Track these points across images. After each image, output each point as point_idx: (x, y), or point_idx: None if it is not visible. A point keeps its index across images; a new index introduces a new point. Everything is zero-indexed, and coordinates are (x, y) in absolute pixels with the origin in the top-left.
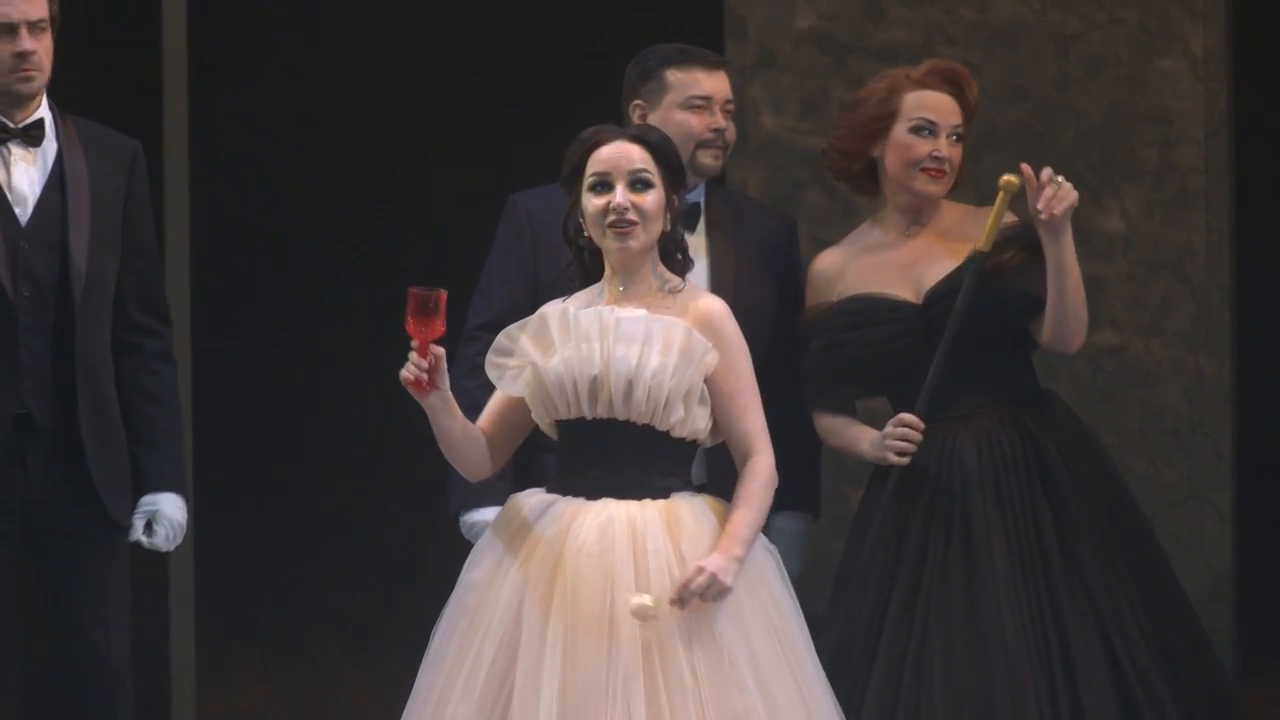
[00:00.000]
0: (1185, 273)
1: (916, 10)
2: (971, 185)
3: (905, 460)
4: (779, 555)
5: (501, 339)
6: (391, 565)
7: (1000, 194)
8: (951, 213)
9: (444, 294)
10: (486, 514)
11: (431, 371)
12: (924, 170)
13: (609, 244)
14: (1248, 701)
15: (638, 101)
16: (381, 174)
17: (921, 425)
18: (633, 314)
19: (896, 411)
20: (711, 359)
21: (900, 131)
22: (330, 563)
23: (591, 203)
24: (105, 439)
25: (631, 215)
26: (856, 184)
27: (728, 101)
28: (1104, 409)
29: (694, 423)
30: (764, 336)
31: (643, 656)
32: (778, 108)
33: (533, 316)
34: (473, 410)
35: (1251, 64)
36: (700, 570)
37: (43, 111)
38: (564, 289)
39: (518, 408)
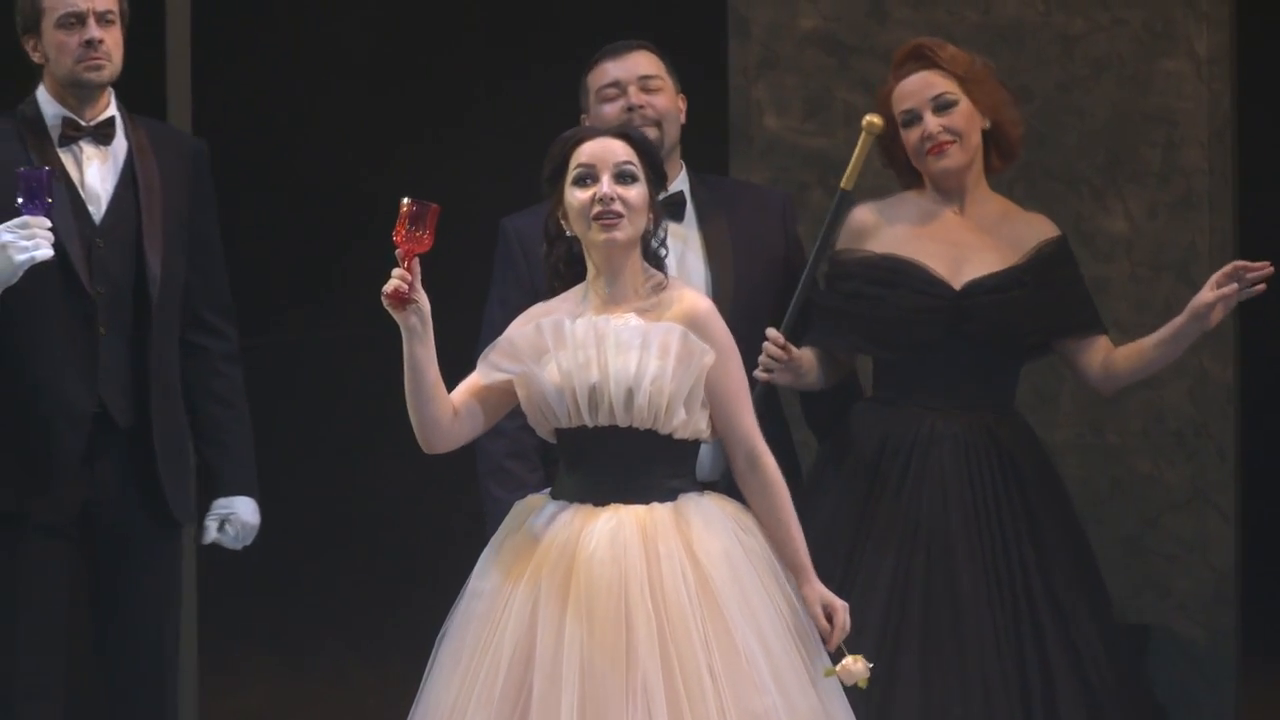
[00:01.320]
0: (1189, 274)
1: (920, 11)
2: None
3: (765, 378)
4: None
5: (501, 340)
6: (397, 566)
7: (863, 134)
8: (995, 204)
9: (437, 208)
10: None
11: (412, 285)
12: (927, 151)
13: (595, 237)
14: (1251, 703)
15: (582, 114)
16: (383, 171)
17: (781, 343)
18: (627, 322)
19: (887, 384)
20: (709, 359)
21: (900, 131)
22: (335, 563)
23: (576, 196)
24: (174, 439)
25: (618, 206)
26: (906, 175)
27: (644, 78)
28: (1107, 410)
29: (696, 424)
30: (772, 312)
31: (661, 660)
32: (781, 109)
33: (527, 328)
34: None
35: (1255, 65)
36: (835, 610)
37: (113, 110)
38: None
39: (492, 392)
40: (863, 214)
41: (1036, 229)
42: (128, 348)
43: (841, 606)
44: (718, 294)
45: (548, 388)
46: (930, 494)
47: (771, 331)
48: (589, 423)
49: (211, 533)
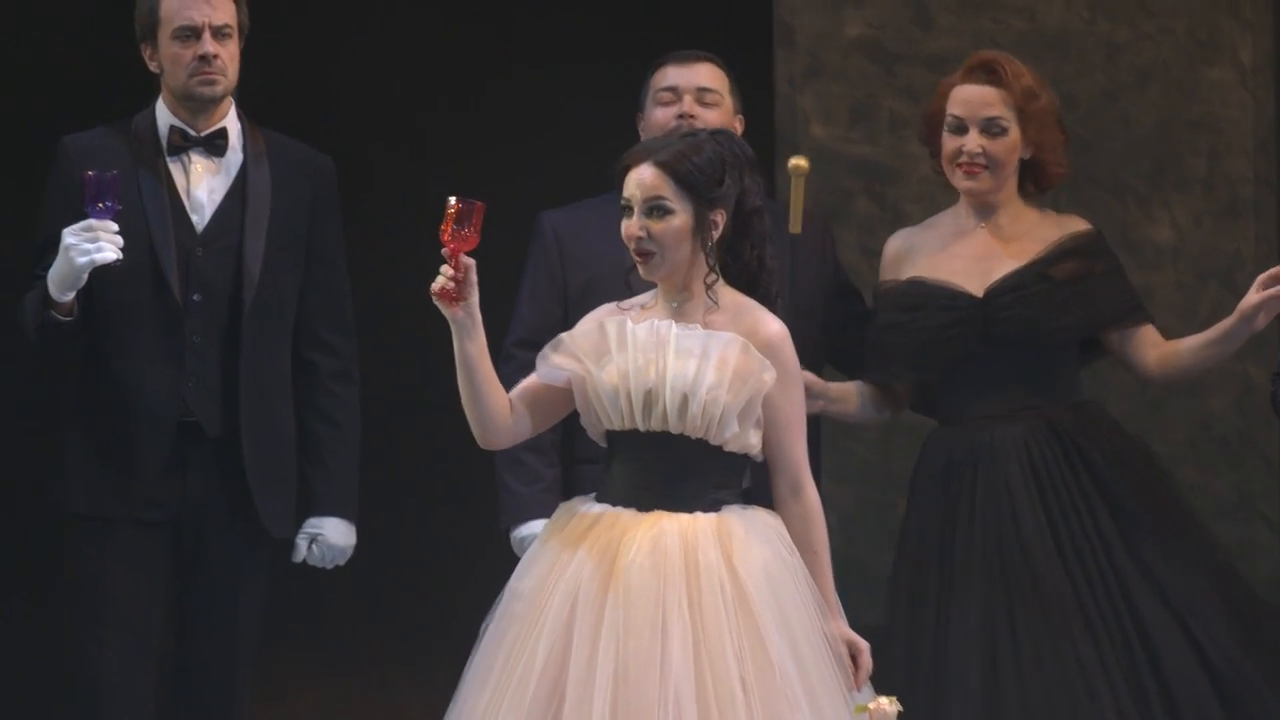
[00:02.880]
0: (1234, 282)
1: (965, 19)
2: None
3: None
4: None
5: (562, 337)
6: (443, 573)
7: (793, 179)
8: (1028, 214)
9: (482, 205)
10: (536, 527)
11: (461, 283)
12: (959, 166)
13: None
14: None
15: (639, 114)
16: (398, 180)
17: None
18: (689, 329)
19: (939, 403)
20: (769, 377)
21: (944, 130)
22: (380, 570)
23: (622, 226)
24: (269, 451)
25: (647, 245)
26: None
27: (701, 90)
28: (1153, 419)
29: (747, 439)
30: (812, 335)
31: (695, 670)
32: (827, 117)
33: (589, 324)
34: None
35: None
36: (859, 650)
37: (227, 121)
38: (592, 297)
39: (549, 393)
40: (895, 243)
41: (1066, 228)
42: (221, 357)
43: (865, 647)
44: None
45: (605, 388)
46: (1000, 510)
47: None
48: (641, 426)
49: (302, 551)
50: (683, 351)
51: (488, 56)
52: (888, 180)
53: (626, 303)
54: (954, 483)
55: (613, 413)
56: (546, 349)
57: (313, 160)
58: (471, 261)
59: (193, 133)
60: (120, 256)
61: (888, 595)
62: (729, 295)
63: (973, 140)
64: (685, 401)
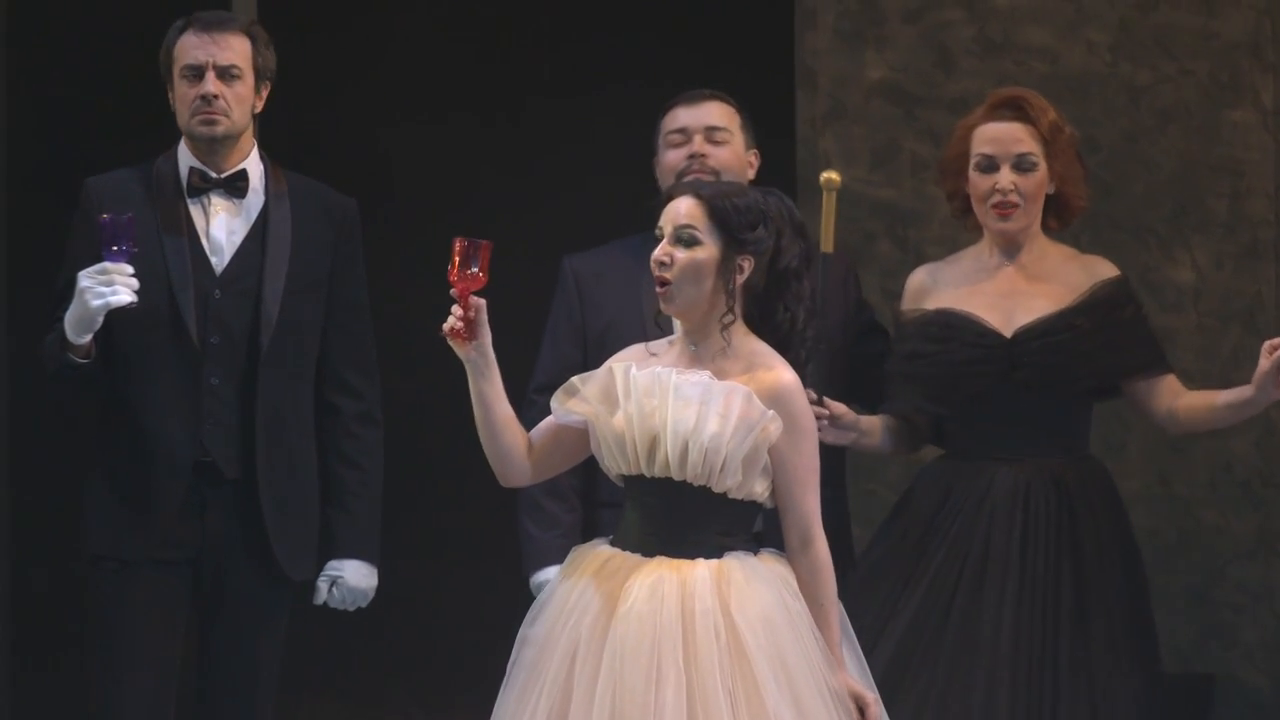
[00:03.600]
0: (1256, 324)
1: (987, 61)
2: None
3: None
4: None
5: (573, 380)
6: (461, 613)
7: (825, 194)
8: (1057, 253)
9: (489, 244)
10: (552, 573)
11: (471, 323)
12: (992, 206)
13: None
14: None
15: (655, 158)
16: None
17: (813, 398)
18: (692, 376)
19: (948, 435)
20: (774, 427)
21: (971, 169)
22: (401, 610)
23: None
24: (289, 493)
25: (667, 273)
26: (967, 220)
27: (710, 129)
28: (1175, 460)
29: (751, 487)
30: (839, 368)
31: (687, 717)
32: (849, 159)
33: (601, 369)
34: None
35: None
36: (866, 703)
37: (248, 163)
38: (611, 341)
39: (568, 434)
40: (919, 275)
41: (1094, 271)
42: (239, 399)
43: (873, 700)
44: None
45: (612, 433)
46: (976, 541)
47: (807, 391)
48: (646, 473)
49: (322, 594)
50: (682, 399)
51: (507, 95)
52: (909, 222)
53: (654, 344)
54: (944, 516)
55: (620, 458)
56: (560, 391)
57: (336, 202)
58: (481, 301)
59: (213, 174)
60: (135, 299)
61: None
62: (748, 343)
63: (1005, 177)
64: (685, 449)
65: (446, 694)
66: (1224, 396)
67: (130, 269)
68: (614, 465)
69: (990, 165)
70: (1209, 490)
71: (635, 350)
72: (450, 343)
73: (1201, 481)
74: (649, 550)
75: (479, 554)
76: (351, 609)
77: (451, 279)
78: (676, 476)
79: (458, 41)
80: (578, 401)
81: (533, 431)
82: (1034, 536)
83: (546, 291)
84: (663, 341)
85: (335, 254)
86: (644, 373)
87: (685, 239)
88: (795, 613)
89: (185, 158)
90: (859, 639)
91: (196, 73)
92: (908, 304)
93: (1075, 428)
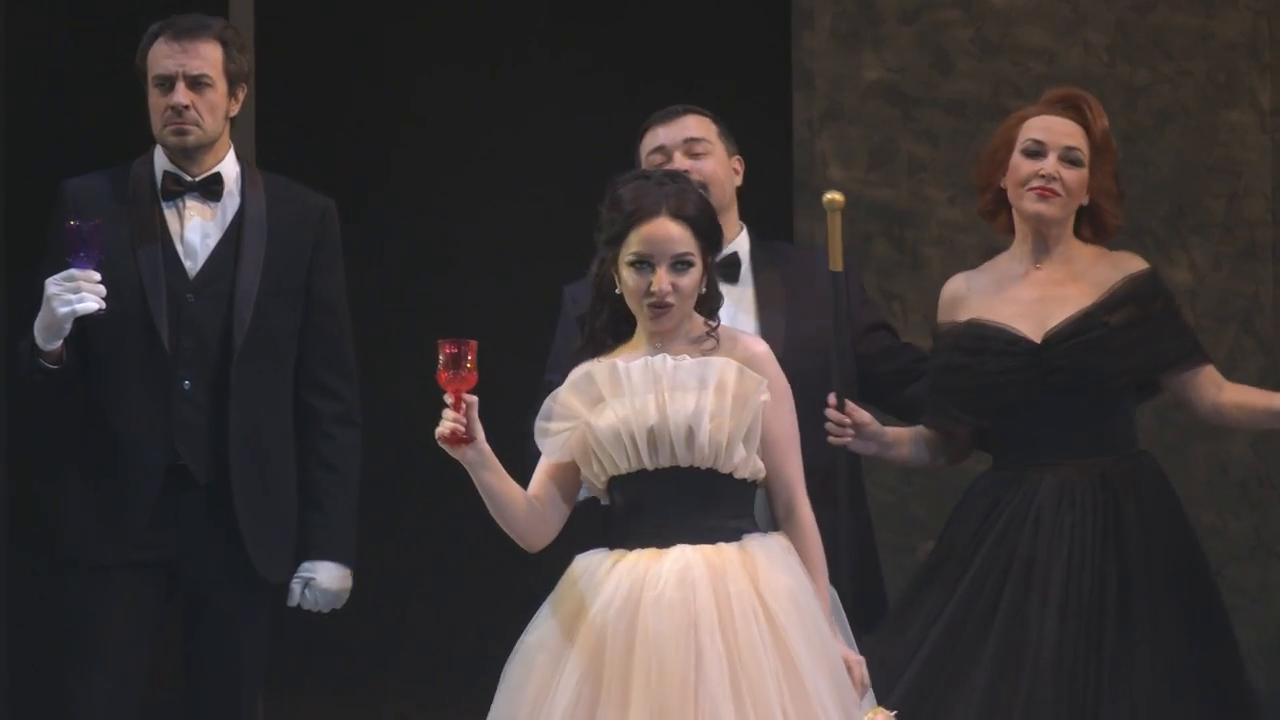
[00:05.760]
0: (1253, 325)
1: (984, 62)
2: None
3: (840, 442)
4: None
5: (548, 404)
6: (453, 613)
7: (829, 214)
8: (1085, 252)
9: (474, 344)
10: None
11: (468, 423)
12: (1030, 189)
13: (645, 320)
14: None
15: None
16: (448, 222)
17: (833, 404)
18: (681, 360)
19: (993, 445)
20: (765, 396)
21: (1015, 156)
22: (391, 610)
23: (633, 278)
24: (263, 495)
25: (671, 299)
26: (993, 217)
27: (688, 141)
28: (1172, 461)
29: (755, 463)
30: (826, 376)
31: (734, 702)
32: (846, 160)
33: (577, 376)
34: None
35: None
36: (852, 665)
37: (224, 166)
38: None
39: (565, 471)
40: (954, 285)
41: (1122, 267)
42: (211, 402)
43: (858, 661)
44: None
45: (604, 434)
46: (1021, 548)
47: (830, 397)
48: (649, 465)
49: (295, 595)
50: (679, 384)
51: (500, 104)
52: (906, 223)
53: (603, 359)
54: (989, 522)
55: (617, 457)
56: (539, 421)
57: (313, 203)
58: (474, 399)
59: (187, 178)
60: (103, 306)
61: (907, 589)
62: (696, 322)
63: (1051, 163)
64: (690, 433)
65: (445, 693)
66: (1266, 401)
67: (97, 275)
68: (608, 467)
69: (1038, 151)
70: (1206, 491)
71: (582, 369)
72: (447, 447)
73: (1199, 482)
74: (664, 542)
75: (478, 553)
76: (325, 611)
77: (442, 381)
78: (683, 463)
79: (455, 48)
80: (559, 421)
81: (533, 488)
82: (1080, 540)
83: (536, 316)
84: (612, 356)
85: (312, 255)
86: (635, 364)
87: (682, 264)
88: (810, 591)
89: (160, 161)
90: (903, 647)
91: (167, 83)
92: (943, 316)
93: (1119, 425)
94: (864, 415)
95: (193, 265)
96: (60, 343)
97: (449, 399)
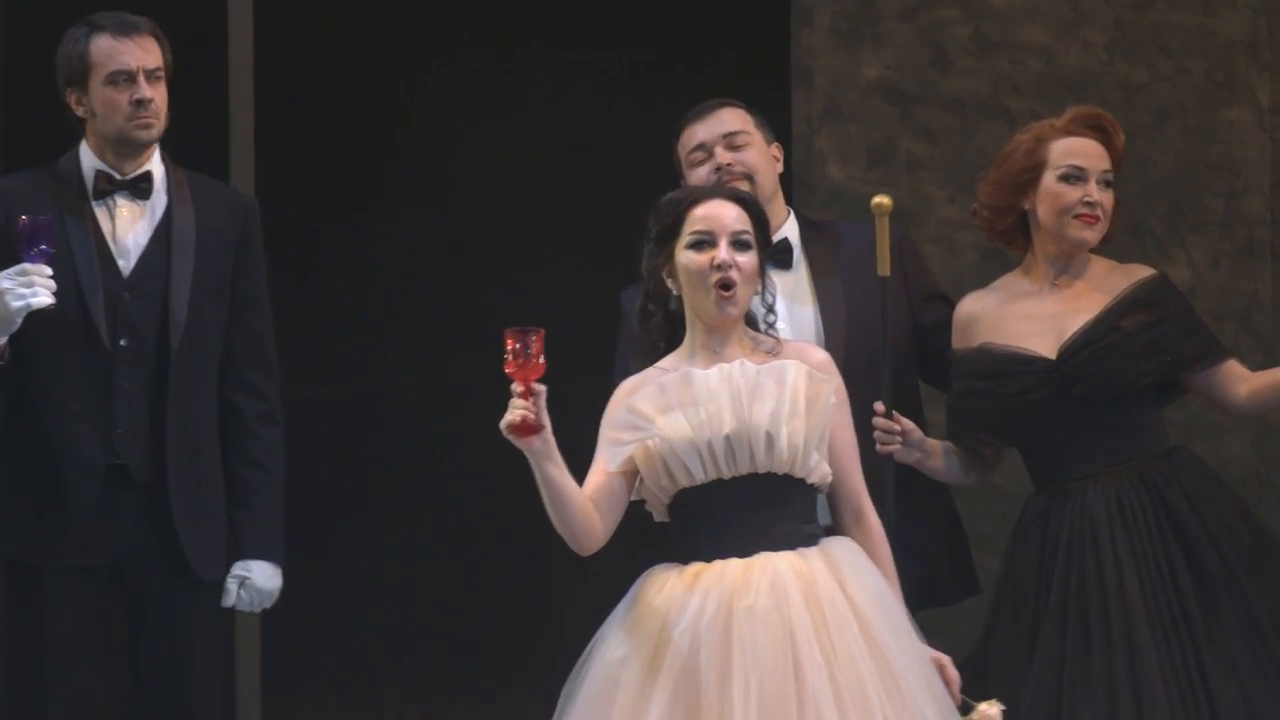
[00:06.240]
0: (1252, 323)
1: (984, 61)
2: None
3: (887, 450)
4: None
5: (622, 413)
6: (459, 615)
7: (877, 219)
8: (1098, 266)
9: (541, 332)
10: None
11: (536, 412)
12: (1077, 217)
13: (709, 305)
14: None
15: (681, 181)
16: (455, 224)
17: (881, 412)
18: (759, 366)
19: (1030, 465)
20: (834, 399)
21: (1050, 181)
22: (398, 613)
23: (694, 260)
24: (197, 495)
25: (734, 274)
26: (1008, 239)
27: (728, 135)
28: None
29: (824, 468)
30: (908, 383)
31: (836, 706)
32: (845, 158)
33: (648, 387)
34: None
35: None
36: (943, 665)
37: (153, 165)
38: None
39: (623, 480)
40: (965, 307)
41: (1134, 277)
42: (149, 402)
43: (948, 661)
44: (829, 339)
45: (679, 444)
46: (1086, 568)
47: (877, 405)
48: (726, 473)
49: (231, 595)
50: (758, 389)
51: (498, 103)
52: (905, 221)
53: (648, 372)
54: (1048, 551)
55: (693, 466)
56: (606, 429)
57: (238, 201)
58: (542, 388)
59: (118, 176)
60: (54, 301)
61: (984, 626)
62: (749, 332)
63: (1095, 190)
64: (770, 438)
65: (444, 692)
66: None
67: (49, 270)
68: (681, 479)
69: (1080, 177)
70: None
71: (646, 376)
72: (512, 437)
73: None
74: (745, 551)
75: (479, 554)
76: (258, 610)
77: (509, 371)
78: (762, 469)
79: (454, 45)
80: (629, 431)
81: (587, 491)
82: (1140, 547)
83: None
84: (662, 363)
85: (238, 253)
86: (709, 372)
87: (742, 243)
88: (890, 592)
89: (90, 160)
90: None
91: (129, 77)
92: (958, 340)
93: (1148, 426)
94: (909, 424)
95: (126, 264)
96: (6, 339)
97: (518, 388)
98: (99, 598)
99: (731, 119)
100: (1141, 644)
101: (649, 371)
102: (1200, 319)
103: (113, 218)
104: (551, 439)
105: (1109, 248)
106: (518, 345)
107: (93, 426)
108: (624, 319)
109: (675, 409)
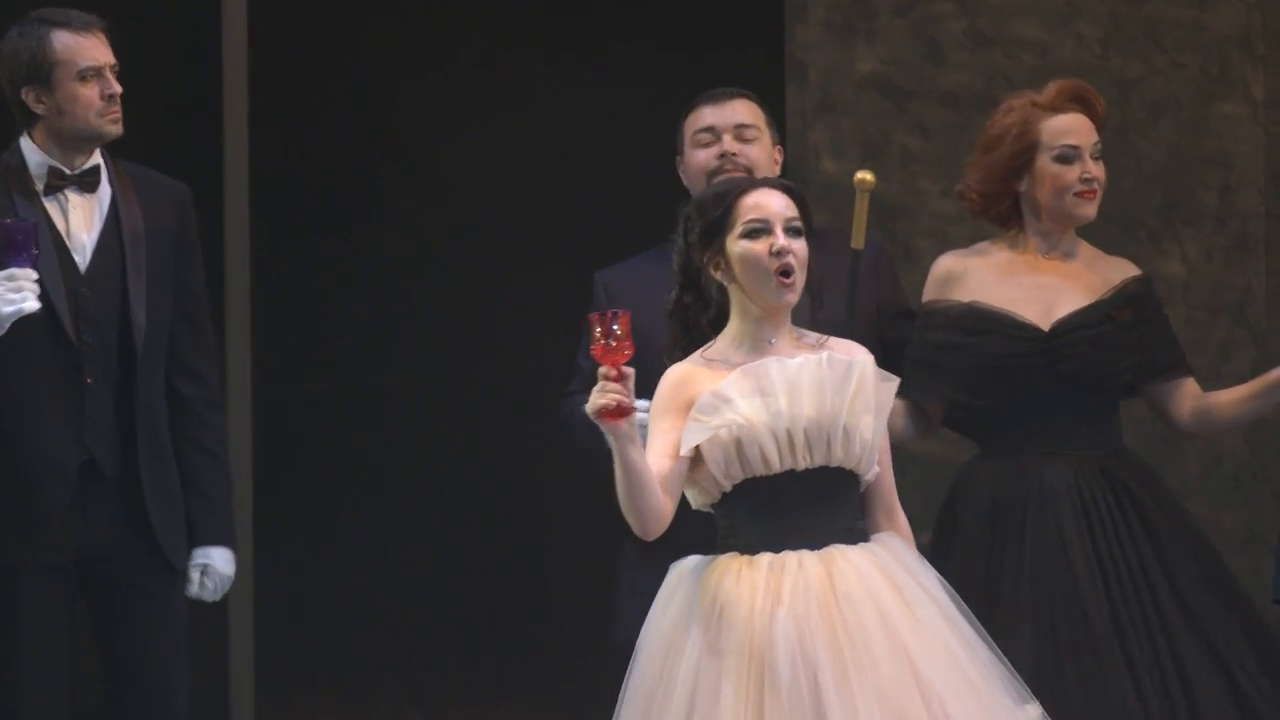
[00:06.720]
0: (1245, 317)
1: (978, 55)
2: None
3: None
4: None
5: (708, 398)
6: (458, 615)
7: (858, 194)
8: (1085, 249)
9: (628, 314)
10: None
11: (629, 394)
12: (1077, 194)
13: (769, 293)
14: None
15: (678, 158)
16: (448, 220)
17: None
18: (832, 359)
19: (983, 431)
20: (889, 398)
21: (1045, 162)
22: (392, 609)
23: (750, 249)
24: (164, 486)
25: (791, 260)
26: (1001, 221)
27: (739, 126)
28: (1165, 454)
29: (876, 466)
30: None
31: (942, 685)
32: (839, 152)
33: (734, 373)
34: None
35: None
36: None
37: (97, 158)
38: (648, 353)
39: (681, 466)
40: (947, 262)
41: (1121, 269)
42: (114, 396)
43: None
44: None
45: (761, 433)
46: (1052, 550)
47: None
48: (800, 464)
49: (195, 583)
50: (838, 381)
51: (496, 101)
52: (899, 216)
53: (694, 358)
54: (1001, 520)
55: (771, 454)
56: (697, 412)
57: (172, 189)
58: (631, 371)
59: (68, 171)
60: (41, 305)
61: None
62: (809, 332)
63: (1091, 166)
64: (848, 433)
65: (442, 692)
66: (1237, 391)
67: (35, 274)
68: (756, 467)
69: (1075, 155)
70: (1199, 484)
71: (690, 363)
72: (603, 422)
73: (1192, 475)
74: (816, 543)
75: (477, 551)
76: (218, 598)
77: (597, 355)
78: (834, 463)
79: (449, 46)
80: (713, 415)
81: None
82: (1100, 526)
83: (561, 301)
84: (711, 352)
85: (178, 241)
86: (792, 362)
87: (795, 230)
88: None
89: (36, 155)
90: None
91: (97, 73)
92: (934, 292)
93: (1112, 420)
94: None
95: (82, 260)
96: None
97: (610, 372)
98: (69, 595)
99: (745, 111)
100: (1104, 633)
101: (695, 358)
102: (1174, 332)
103: (65, 213)
104: (636, 421)
105: (1097, 238)
106: (604, 329)
107: (64, 424)
108: (595, 300)
109: (755, 395)
